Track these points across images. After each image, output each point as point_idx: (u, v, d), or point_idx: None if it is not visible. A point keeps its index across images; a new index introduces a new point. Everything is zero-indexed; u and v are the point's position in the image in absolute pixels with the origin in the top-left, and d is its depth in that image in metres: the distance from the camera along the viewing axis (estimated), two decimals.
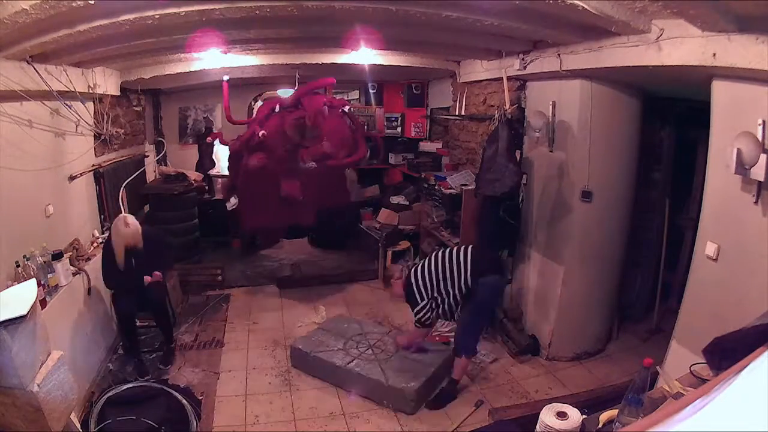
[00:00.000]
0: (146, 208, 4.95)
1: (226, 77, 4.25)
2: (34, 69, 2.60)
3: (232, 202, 4.68)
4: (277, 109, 4.36)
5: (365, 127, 5.75)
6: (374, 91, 6.37)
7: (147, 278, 3.33)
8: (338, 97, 6.20)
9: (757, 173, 1.97)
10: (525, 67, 3.50)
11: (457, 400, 3.21)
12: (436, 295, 3.15)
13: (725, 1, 1.78)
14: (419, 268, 3.23)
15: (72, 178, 3.39)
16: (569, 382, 3.39)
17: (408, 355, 3.40)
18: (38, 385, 1.80)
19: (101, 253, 3.39)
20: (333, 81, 4.47)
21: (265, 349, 3.88)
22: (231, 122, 4.58)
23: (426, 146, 5.91)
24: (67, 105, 3.20)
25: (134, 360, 3.47)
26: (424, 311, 3.16)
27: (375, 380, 3.15)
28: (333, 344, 3.55)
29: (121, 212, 4.11)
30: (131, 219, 3.30)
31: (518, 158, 3.71)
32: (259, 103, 6.07)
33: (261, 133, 3.99)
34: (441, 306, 3.17)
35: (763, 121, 1.97)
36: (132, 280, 3.29)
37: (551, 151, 3.54)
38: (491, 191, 3.42)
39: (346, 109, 4.70)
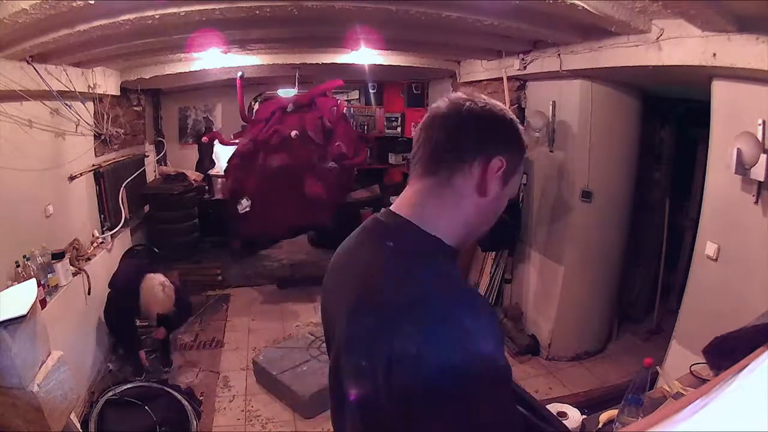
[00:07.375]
0: (146, 208, 4.95)
1: (239, 73, 4.16)
2: (34, 69, 2.59)
3: (244, 204, 4.44)
4: (290, 108, 4.27)
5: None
6: (374, 91, 6.35)
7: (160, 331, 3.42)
8: (338, 97, 6.19)
9: (757, 173, 1.97)
10: (525, 67, 3.49)
11: None
12: None
13: (725, 1, 1.78)
14: None
15: (72, 178, 3.39)
16: (569, 382, 3.39)
17: None
18: (38, 385, 1.80)
19: (110, 303, 3.36)
20: (341, 83, 4.52)
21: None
22: (245, 120, 4.53)
23: None
24: (67, 105, 3.19)
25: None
26: None
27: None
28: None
29: (121, 212, 4.12)
30: (168, 287, 3.27)
31: None
32: (259, 102, 6.06)
33: (293, 133, 3.98)
34: None
35: (763, 121, 1.97)
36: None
37: (551, 151, 3.54)
38: None
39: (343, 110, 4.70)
